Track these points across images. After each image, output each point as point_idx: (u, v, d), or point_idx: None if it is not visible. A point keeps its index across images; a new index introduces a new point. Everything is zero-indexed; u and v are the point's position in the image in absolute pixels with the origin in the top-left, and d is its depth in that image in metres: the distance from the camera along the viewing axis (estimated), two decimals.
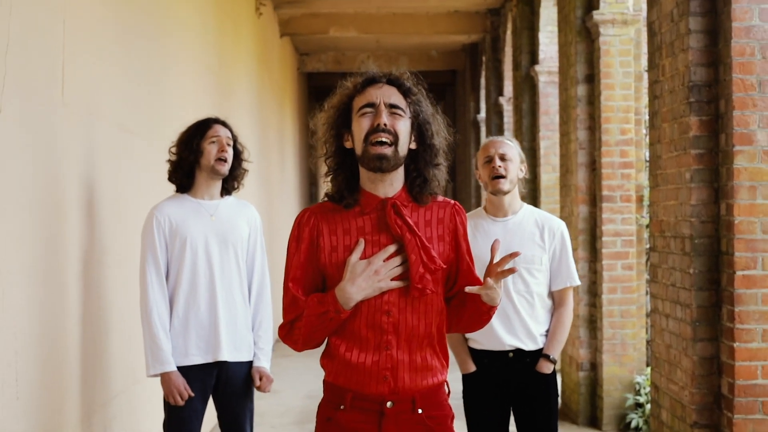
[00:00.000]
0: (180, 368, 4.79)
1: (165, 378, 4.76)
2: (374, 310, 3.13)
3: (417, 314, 3.14)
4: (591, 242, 8.77)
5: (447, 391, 3.27)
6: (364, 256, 3.14)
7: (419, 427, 3.17)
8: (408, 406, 3.15)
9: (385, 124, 3.09)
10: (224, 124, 5.00)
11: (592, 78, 8.73)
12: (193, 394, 4.78)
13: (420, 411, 3.17)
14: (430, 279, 3.12)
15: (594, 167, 8.72)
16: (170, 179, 4.98)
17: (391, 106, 3.14)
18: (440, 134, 3.24)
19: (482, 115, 17.23)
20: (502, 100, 14.44)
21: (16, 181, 4.00)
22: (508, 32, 13.78)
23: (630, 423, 8.28)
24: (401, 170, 3.19)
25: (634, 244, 8.51)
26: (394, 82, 3.20)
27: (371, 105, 3.14)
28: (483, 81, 17.13)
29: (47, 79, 4.42)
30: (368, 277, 3.10)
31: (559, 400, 9.38)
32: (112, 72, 5.48)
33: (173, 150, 4.96)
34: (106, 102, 5.36)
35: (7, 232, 3.87)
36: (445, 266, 3.17)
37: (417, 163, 3.20)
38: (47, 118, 4.41)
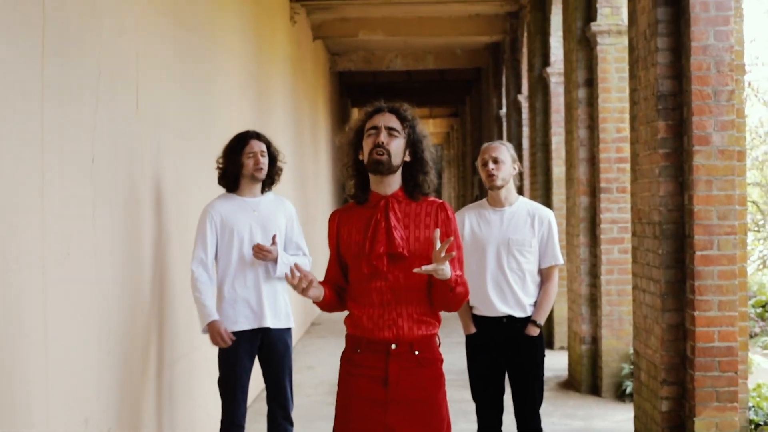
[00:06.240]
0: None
1: (210, 327, 5.83)
2: (376, 277, 4.22)
3: (407, 280, 4.20)
4: (591, 229, 9.78)
5: (438, 342, 4.33)
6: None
7: (415, 363, 4.24)
8: (407, 348, 4.22)
9: (382, 142, 4.18)
10: (258, 136, 6.08)
11: (591, 82, 9.73)
12: (234, 338, 5.82)
13: (417, 353, 4.23)
14: (385, 261, 4.18)
15: (593, 162, 9.71)
16: (220, 183, 6.10)
17: (389, 129, 4.23)
18: (428, 150, 4.32)
19: (504, 110, 18.14)
20: (520, 97, 15.34)
21: (108, 183, 5.08)
22: (525, 35, 14.73)
23: (625, 390, 9.24)
24: (398, 176, 4.27)
25: (629, 231, 9.44)
26: (394, 111, 4.29)
27: (375, 128, 4.25)
28: (504, 79, 18.05)
29: (126, 99, 5.50)
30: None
31: (566, 372, 10.37)
32: (173, 89, 6.58)
33: (220, 161, 6.07)
34: (170, 114, 6.45)
35: (103, 223, 4.95)
36: (403, 251, 4.18)
37: (411, 171, 4.28)
38: (126, 129, 5.49)
